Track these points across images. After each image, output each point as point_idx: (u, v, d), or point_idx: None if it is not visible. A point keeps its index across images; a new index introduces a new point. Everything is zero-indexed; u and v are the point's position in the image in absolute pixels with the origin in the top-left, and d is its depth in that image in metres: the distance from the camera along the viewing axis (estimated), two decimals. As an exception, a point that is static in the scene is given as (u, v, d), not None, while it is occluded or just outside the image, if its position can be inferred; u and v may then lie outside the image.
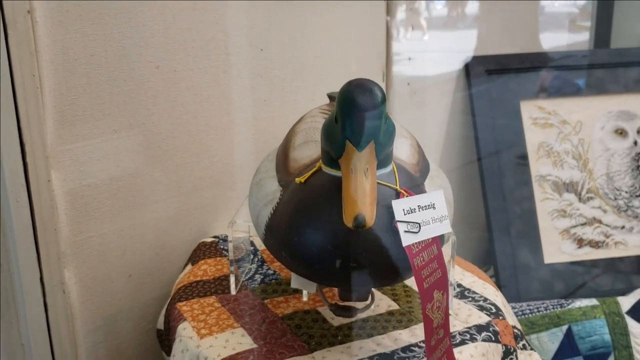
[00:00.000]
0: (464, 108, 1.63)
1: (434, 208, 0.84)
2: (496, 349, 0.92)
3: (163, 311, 1.07)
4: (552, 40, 1.82)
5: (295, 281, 0.91)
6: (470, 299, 1.01)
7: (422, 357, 0.87)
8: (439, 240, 0.83)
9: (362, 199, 0.73)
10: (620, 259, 1.56)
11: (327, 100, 1.24)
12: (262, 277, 1.07)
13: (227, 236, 1.21)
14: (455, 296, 1.01)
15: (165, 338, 1.05)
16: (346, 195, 0.74)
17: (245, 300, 1.01)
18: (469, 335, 0.92)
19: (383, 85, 1.49)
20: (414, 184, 0.85)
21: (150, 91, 1.12)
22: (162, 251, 1.19)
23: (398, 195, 0.81)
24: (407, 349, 0.89)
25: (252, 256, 1.13)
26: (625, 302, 1.37)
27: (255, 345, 0.90)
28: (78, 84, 1.03)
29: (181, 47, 1.14)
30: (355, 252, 0.78)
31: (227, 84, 1.22)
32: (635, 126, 1.63)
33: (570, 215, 1.58)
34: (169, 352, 1.05)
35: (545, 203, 1.58)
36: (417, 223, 0.80)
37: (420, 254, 0.80)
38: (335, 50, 1.37)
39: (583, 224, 1.58)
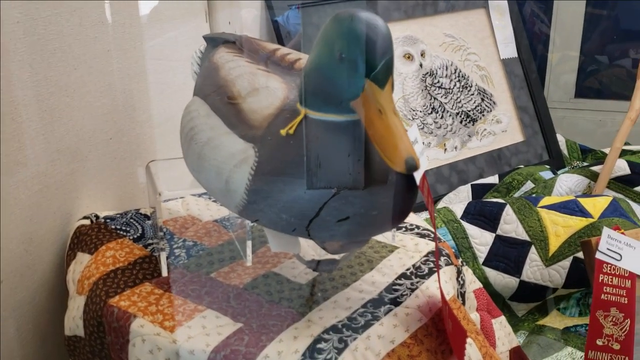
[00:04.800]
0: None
1: (417, 142, 0.84)
2: (452, 271, 0.95)
3: (78, 314, 0.88)
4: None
5: (278, 244, 0.81)
6: (403, 229, 1.01)
7: (409, 294, 0.86)
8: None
9: (402, 140, 0.68)
10: (425, 172, 1.70)
11: (185, 45, 1.12)
12: (184, 251, 0.94)
13: (97, 215, 1.05)
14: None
15: (88, 344, 0.87)
16: (384, 139, 0.68)
17: (188, 280, 0.88)
18: (432, 264, 0.93)
19: (207, 26, 1.37)
20: (393, 121, 0.81)
21: (-4, 50, 0.89)
22: (30, 246, 0.97)
23: (398, 133, 0.77)
24: (389, 288, 0.87)
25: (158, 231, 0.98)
26: (457, 209, 1.49)
27: (239, 324, 0.80)
28: None
29: (21, -8, 0.92)
30: (377, 199, 0.73)
31: (71, 34, 1.02)
32: (419, 50, 1.75)
33: (379, 140, 1.66)
34: (90, 360, 0.88)
35: (357, 131, 1.64)
36: (417, 159, 0.77)
37: (423, 191, 0.79)
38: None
39: (391, 146, 1.67)
